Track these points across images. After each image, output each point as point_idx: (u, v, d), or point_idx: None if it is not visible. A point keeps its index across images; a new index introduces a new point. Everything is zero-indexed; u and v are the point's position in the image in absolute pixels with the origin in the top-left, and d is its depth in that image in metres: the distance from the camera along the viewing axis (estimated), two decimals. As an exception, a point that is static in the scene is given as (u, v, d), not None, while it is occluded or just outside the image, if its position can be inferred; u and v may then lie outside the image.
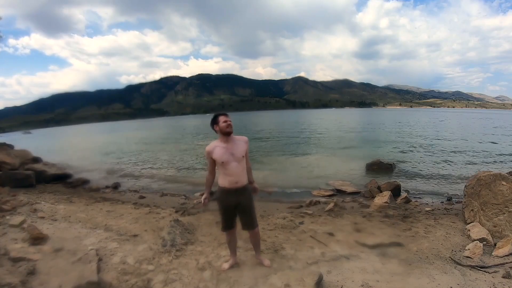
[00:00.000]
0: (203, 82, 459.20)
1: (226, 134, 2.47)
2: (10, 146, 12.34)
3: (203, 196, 2.66)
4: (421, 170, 8.87)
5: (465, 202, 3.98)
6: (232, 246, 2.81)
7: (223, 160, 2.45)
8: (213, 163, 2.54)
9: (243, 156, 2.53)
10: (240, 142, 2.55)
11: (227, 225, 2.66)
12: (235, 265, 2.82)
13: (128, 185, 8.47)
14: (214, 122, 2.52)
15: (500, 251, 2.98)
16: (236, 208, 2.57)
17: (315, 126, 32.37)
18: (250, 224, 2.63)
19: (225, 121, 2.46)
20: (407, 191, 6.45)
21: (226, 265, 2.81)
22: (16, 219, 3.88)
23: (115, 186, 8.18)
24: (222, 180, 2.53)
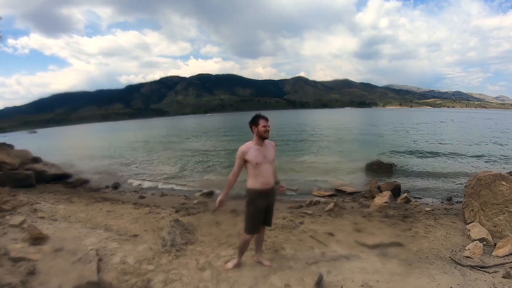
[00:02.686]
0: (203, 82, 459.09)
1: (263, 138, 2.54)
2: (10, 146, 12.33)
3: (219, 198, 2.59)
4: (421, 170, 8.88)
5: (465, 202, 3.98)
6: (245, 249, 2.80)
7: (257, 161, 2.50)
8: (242, 164, 2.54)
9: (273, 159, 2.63)
10: (270, 146, 2.64)
11: (256, 228, 2.66)
12: (237, 266, 2.82)
13: (128, 185, 8.48)
14: (254, 123, 2.55)
15: (500, 251, 2.98)
16: (266, 209, 2.63)
17: (315, 126, 32.37)
18: (270, 221, 2.76)
19: (265, 126, 2.51)
20: (407, 191, 6.45)
21: (230, 265, 2.83)
22: (16, 219, 3.88)
23: (115, 186, 8.19)
24: (254, 182, 2.55)
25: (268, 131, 2.53)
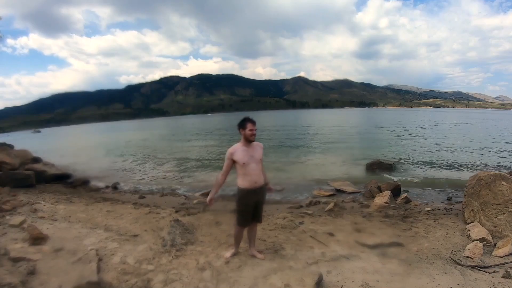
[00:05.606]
0: (203, 82, 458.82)
1: (249, 141, 2.71)
2: (10, 146, 12.32)
3: (209, 197, 2.77)
4: (421, 170, 8.88)
5: (465, 202, 3.98)
6: (239, 239, 3.02)
7: (244, 161, 2.66)
8: (231, 164, 2.72)
9: (260, 159, 2.78)
10: (257, 147, 2.80)
11: (246, 222, 2.87)
12: (235, 255, 3.02)
13: (128, 185, 8.48)
14: (242, 126, 2.71)
15: (500, 251, 2.98)
16: (255, 206, 2.81)
17: (315, 127, 32.35)
18: (260, 217, 2.94)
19: (251, 130, 2.67)
20: (407, 191, 6.45)
21: (228, 254, 3.02)
22: (16, 219, 3.88)
23: (115, 186, 8.19)
24: (243, 181, 2.72)
25: (254, 134, 2.68)
